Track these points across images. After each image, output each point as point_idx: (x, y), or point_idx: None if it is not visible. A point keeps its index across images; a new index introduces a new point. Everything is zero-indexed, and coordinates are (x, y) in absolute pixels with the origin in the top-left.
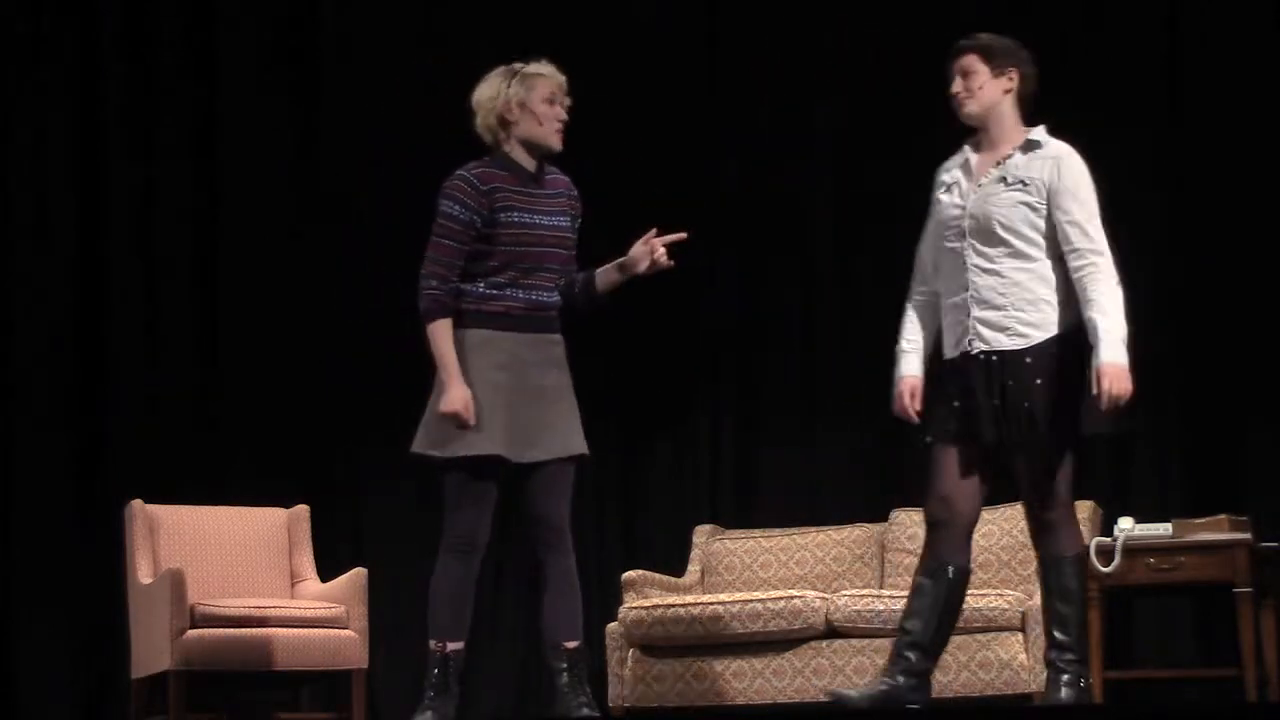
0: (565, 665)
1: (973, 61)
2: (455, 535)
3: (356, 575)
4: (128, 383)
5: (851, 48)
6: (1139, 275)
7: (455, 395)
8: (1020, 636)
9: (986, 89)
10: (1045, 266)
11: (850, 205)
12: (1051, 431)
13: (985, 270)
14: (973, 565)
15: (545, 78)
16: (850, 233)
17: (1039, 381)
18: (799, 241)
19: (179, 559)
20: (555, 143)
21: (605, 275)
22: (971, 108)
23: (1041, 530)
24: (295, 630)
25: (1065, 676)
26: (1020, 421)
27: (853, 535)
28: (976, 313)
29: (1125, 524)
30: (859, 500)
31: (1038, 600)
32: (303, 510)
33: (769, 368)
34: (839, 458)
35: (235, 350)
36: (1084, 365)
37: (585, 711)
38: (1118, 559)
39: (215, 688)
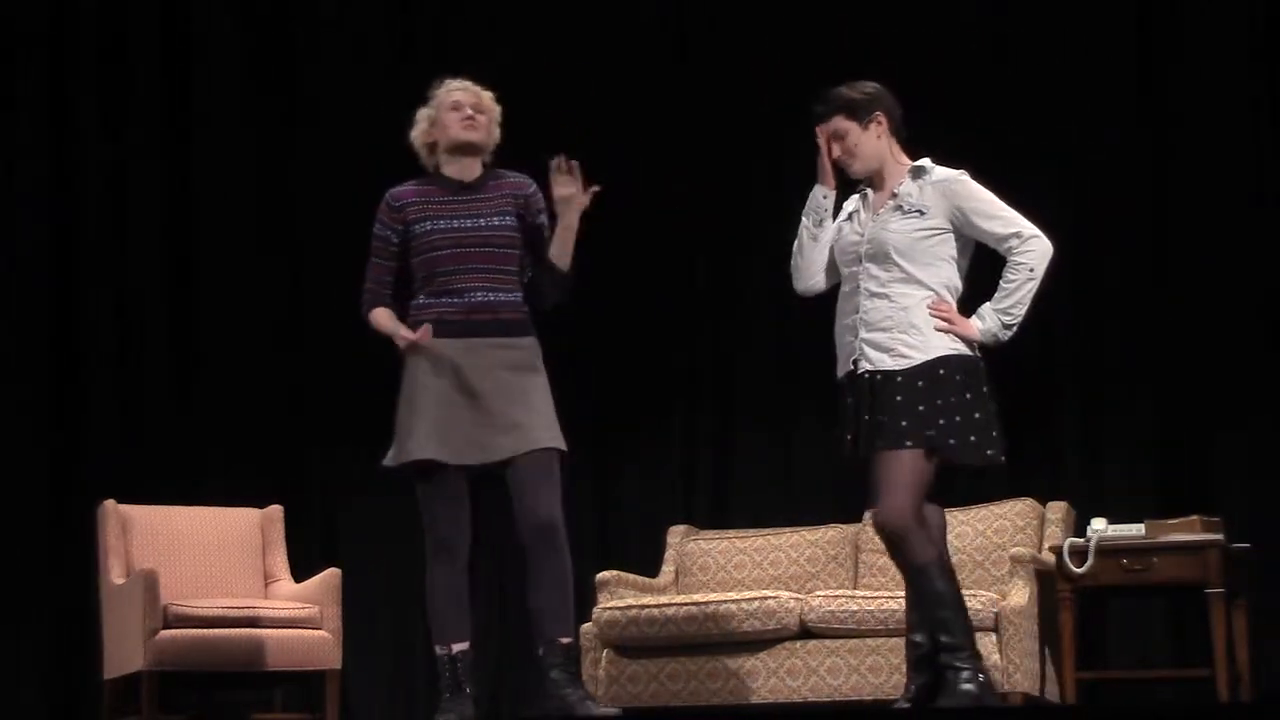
0: (559, 661)
1: (841, 124)
2: (433, 540)
3: (330, 576)
4: (101, 383)
5: (832, 50)
6: (1110, 278)
7: (403, 333)
8: (994, 637)
9: (863, 144)
10: (933, 297)
11: None
12: (896, 445)
13: (875, 294)
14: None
15: (448, 90)
16: None
17: (899, 399)
18: (775, 241)
19: (152, 559)
20: (462, 135)
21: (552, 244)
22: (858, 168)
23: (889, 543)
24: (269, 631)
25: (965, 673)
26: (873, 435)
27: (827, 536)
28: (864, 334)
29: (1098, 525)
30: (833, 501)
31: (1011, 601)
32: (276, 511)
33: (743, 369)
34: (813, 459)
35: (209, 351)
36: (967, 388)
37: (589, 705)
38: (1091, 560)
39: (188, 688)
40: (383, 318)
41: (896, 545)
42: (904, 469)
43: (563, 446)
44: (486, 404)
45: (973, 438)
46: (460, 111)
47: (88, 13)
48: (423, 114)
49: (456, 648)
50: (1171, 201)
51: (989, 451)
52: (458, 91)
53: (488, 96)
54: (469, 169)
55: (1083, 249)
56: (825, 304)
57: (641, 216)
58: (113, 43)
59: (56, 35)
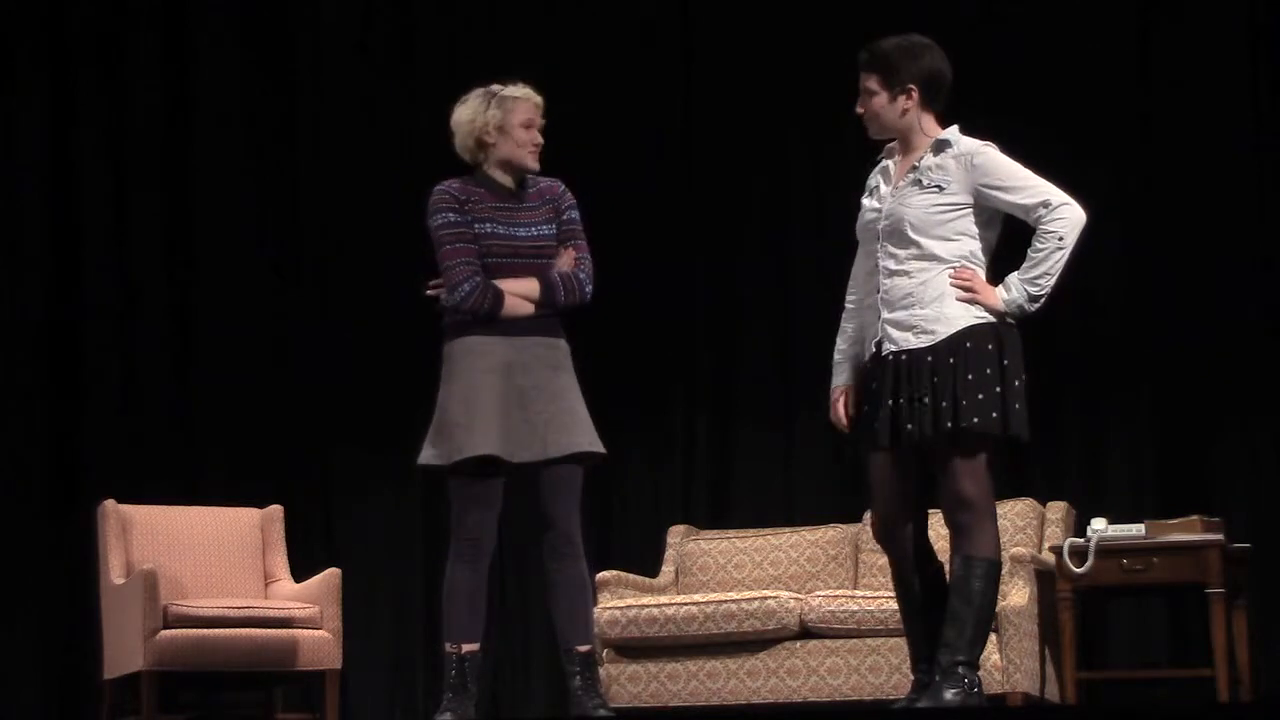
0: (578, 669)
1: (871, 82)
2: (462, 539)
3: (330, 576)
4: (101, 382)
5: (828, 46)
6: (1110, 276)
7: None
8: (994, 637)
9: (884, 112)
10: (954, 269)
11: (826, 206)
12: (952, 430)
13: (894, 272)
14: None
15: (522, 100)
16: (826, 233)
17: (935, 379)
18: (774, 241)
19: (152, 559)
20: (531, 164)
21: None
22: (873, 129)
23: (954, 533)
24: (268, 631)
25: (953, 677)
26: (921, 421)
27: (827, 536)
28: (886, 314)
29: (1099, 525)
30: (833, 501)
31: (1011, 601)
32: (276, 510)
33: (743, 369)
34: (813, 459)
35: (209, 350)
36: (1000, 358)
37: (602, 713)
38: (1091, 560)
39: (188, 688)
40: (514, 302)
41: (964, 533)
42: (965, 453)
43: (601, 448)
44: (534, 402)
45: (1016, 405)
46: (531, 132)
47: (88, 15)
48: (480, 110)
49: (467, 648)
50: (1172, 200)
51: (1020, 423)
52: (531, 107)
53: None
54: (515, 177)
55: (1082, 248)
56: (825, 304)
57: (642, 216)
58: (113, 42)
59: (57, 34)
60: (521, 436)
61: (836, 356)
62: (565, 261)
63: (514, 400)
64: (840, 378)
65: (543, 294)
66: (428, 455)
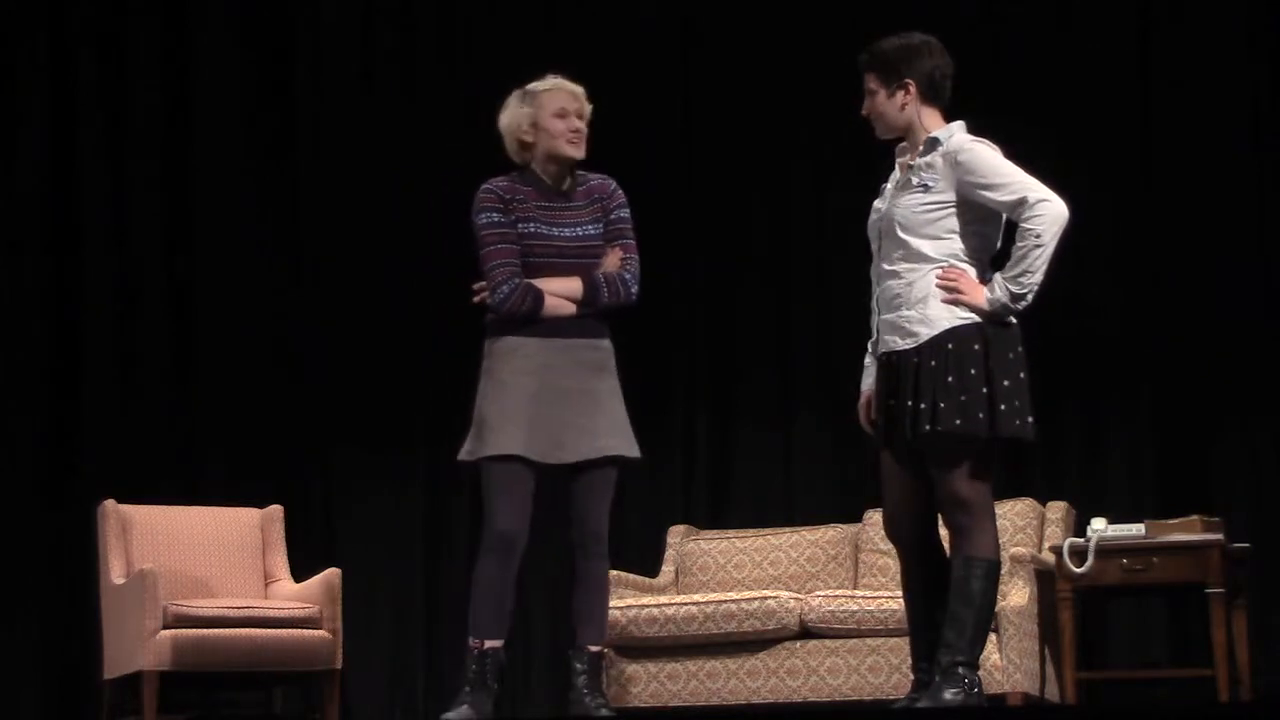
0: (585, 667)
1: (870, 81)
2: (493, 536)
3: (330, 576)
4: (101, 382)
5: (828, 46)
6: (1109, 276)
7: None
8: (994, 637)
9: (885, 111)
10: (941, 269)
11: (826, 206)
12: (941, 430)
13: (888, 273)
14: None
15: (552, 92)
16: (826, 233)
17: (920, 381)
18: (774, 243)
19: (152, 559)
20: (572, 152)
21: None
22: (878, 130)
23: (953, 534)
24: (269, 631)
25: (953, 677)
26: (910, 422)
27: (827, 536)
28: (880, 315)
29: (1098, 525)
30: (833, 501)
31: (1011, 601)
32: (276, 510)
33: (743, 369)
34: (813, 458)
35: (209, 349)
36: (986, 359)
37: (604, 713)
38: (1091, 559)
39: (188, 688)
40: (555, 301)
41: (963, 534)
42: (955, 455)
43: (636, 453)
44: (569, 404)
45: (1002, 406)
46: (567, 121)
47: (88, 15)
48: (523, 113)
49: (490, 644)
50: (1171, 200)
51: (1017, 422)
52: (564, 96)
53: (584, 95)
54: (562, 173)
55: (1082, 247)
56: (824, 304)
57: (642, 216)
58: (113, 42)
59: (57, 34)
60: (553, 438)
61: (866, 360)
62: (611, 261)
63: (549, 401)
64: (865, 382)
65: (586, 294)
66: (464, 451)
